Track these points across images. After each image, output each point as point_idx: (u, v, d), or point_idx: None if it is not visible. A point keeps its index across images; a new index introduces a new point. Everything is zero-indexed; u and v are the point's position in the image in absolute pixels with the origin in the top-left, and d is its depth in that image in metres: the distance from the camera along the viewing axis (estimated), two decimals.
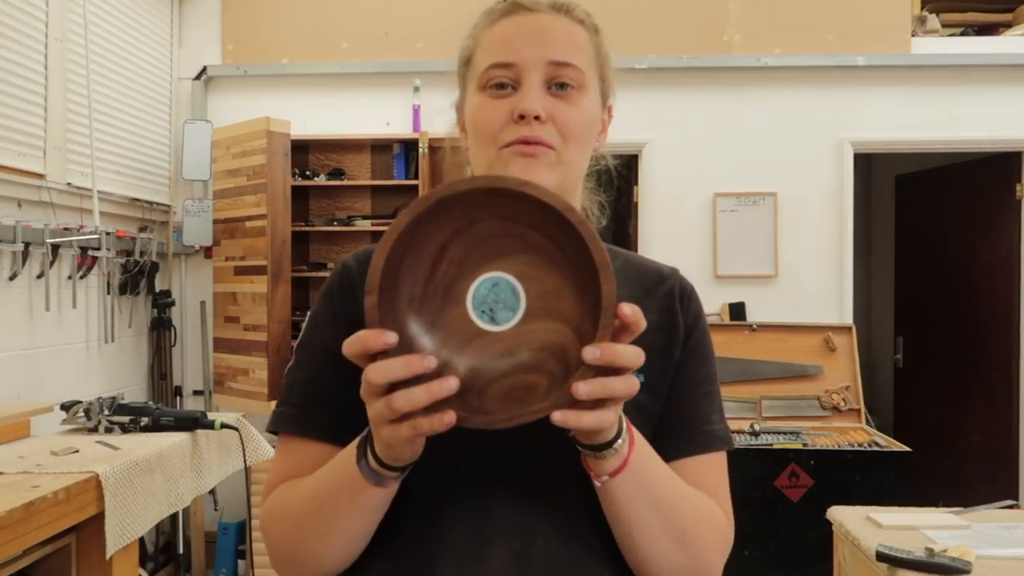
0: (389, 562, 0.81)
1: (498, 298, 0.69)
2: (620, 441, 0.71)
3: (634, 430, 0.75)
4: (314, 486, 0.80)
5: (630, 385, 0.65)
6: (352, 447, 0.75)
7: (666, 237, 3.92)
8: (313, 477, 0.80)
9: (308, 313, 0.92)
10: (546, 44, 0.84)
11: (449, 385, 0.63)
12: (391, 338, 0.64)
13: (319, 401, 0.86)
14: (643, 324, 0.67)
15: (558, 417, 0.63)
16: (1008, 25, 3.98)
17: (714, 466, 0.89)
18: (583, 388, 0.62)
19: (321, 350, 0.87)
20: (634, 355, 0.65)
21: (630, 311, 0.65)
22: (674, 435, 0.88)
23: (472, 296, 0.69)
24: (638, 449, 0.75)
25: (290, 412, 0.87)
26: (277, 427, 0.87)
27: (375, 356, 0.65)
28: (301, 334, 0.91)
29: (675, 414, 0.88)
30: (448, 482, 0.80)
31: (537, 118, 0.82)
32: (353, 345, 0.65)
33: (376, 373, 0.63)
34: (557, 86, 0.84)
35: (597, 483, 0.75)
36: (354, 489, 0.74)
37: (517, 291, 0.68)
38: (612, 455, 0.72)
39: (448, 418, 0.63)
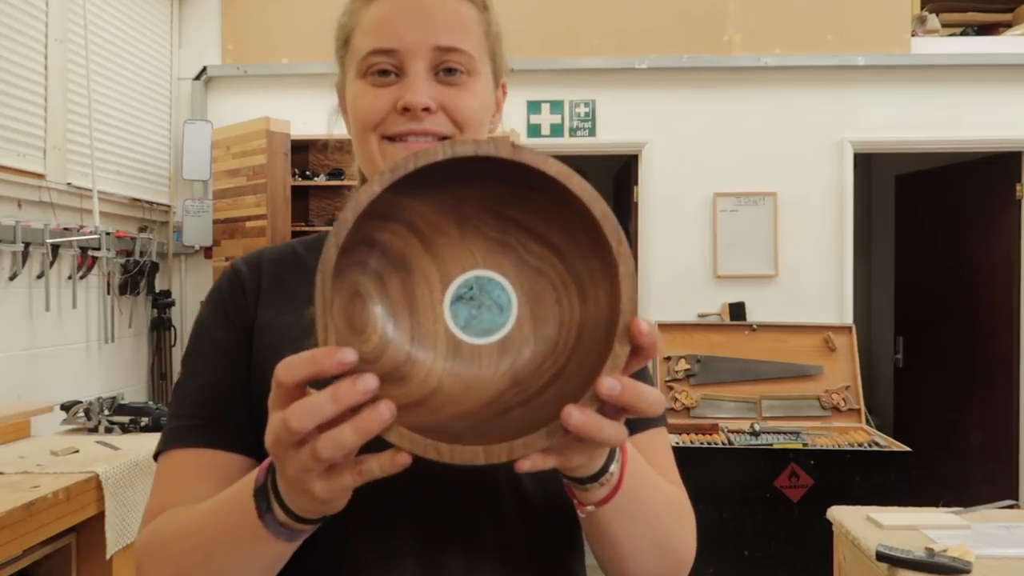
0: None
1: (482, 302, 0.57)
2: (611, 470, 0.61)
3: (627, 445, 0.64)
4: (201, 532, 0.64)
5: (620, 435, 0.52)
6: (246, 492, 0.59)
7: (666, 237, 3.92)
8: (199, 519, 0.65)
9: (194, 322, 0.82)
10: (431, 27, 0.76)
11: (381, 413, 0.48)
12: (349, 356, 0.49)
13: (218, 408, 0.75)
14: (659, 347, 0.53)
15: (526, 465, 0.51)
16: (1008, 25, 3.99)
17: (661, 441, 0.83)
18: (576, 416, 0.49)
19: (215, 355, 0.78)
20: (656, 401, 0.52)
21: (647, 328, 0.51)
22: None
23: (450, 298, 0.57)
24: (630, 470, 0.64)
25: (183, 425, 0.75)
26: (168, 444, 0.75)
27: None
28: (187, 345, 0.81)
29: None
30: (354, 509, 0.63)
31: (426, 109, 0.75)
32: (296, 367, 0.50)
33: (297, 418, 0.48)
34: (445, 71, 0.77)
35: (581, 513, 0.65)
36: (254, 544, 0.59)
37: (507, 293, 0.58)
38: (598, 487, 0.62)
39: (401, 459, 0.50)
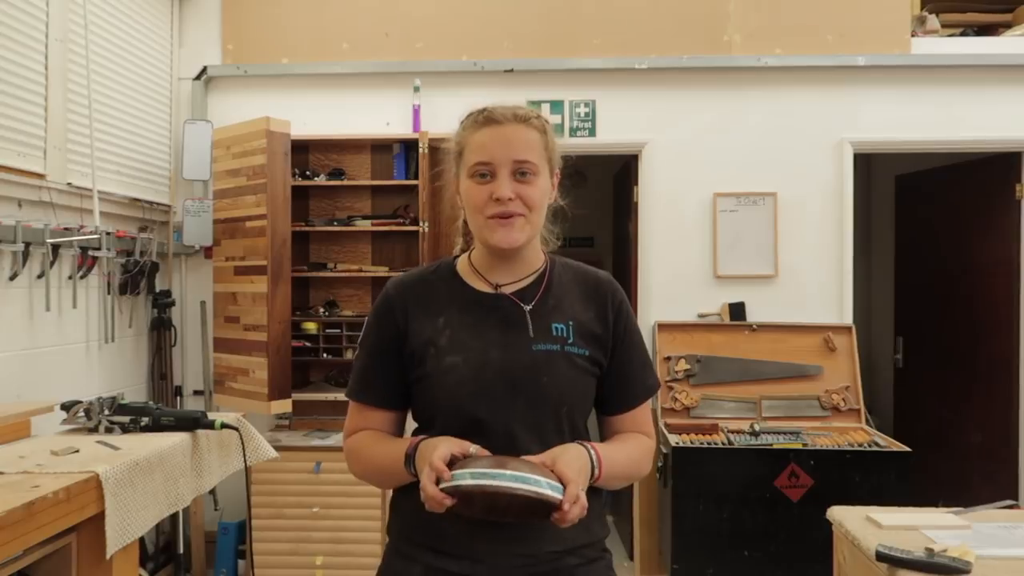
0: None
1: None
2: (594, 475, 1.26)
3: (600, 455, 1.27)
4: (380, 461, 1.34)
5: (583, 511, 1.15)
6: (401, 454, 1.28)
7: (666, 237, 3.92)
8: (380, 454, 1.34)
9: (367, 319, 1.42)
10: (511, 149, 1.28)
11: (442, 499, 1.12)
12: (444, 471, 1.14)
13: (372, 382, 1.38)
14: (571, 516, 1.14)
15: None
16: (1008, 25, 3.98)
17: (647, 407, 1.43)
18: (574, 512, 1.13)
19: (372, 348, 1.39)
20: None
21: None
22: (625, 393, 1.40)
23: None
24: (605, 467, 1.27)
25: (356, 387, 1.40)
26: (349, 395, 1.41)
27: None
28: (361, 336, 1.42)
29: (623, 379, 1.39)
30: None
31: (510, 199, 1.27)
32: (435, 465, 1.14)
33: (426, 487, 1.14)
34: (520, 174, 1.28)
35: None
36: (398, 474, 1.30)
37: None
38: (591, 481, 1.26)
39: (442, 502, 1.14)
